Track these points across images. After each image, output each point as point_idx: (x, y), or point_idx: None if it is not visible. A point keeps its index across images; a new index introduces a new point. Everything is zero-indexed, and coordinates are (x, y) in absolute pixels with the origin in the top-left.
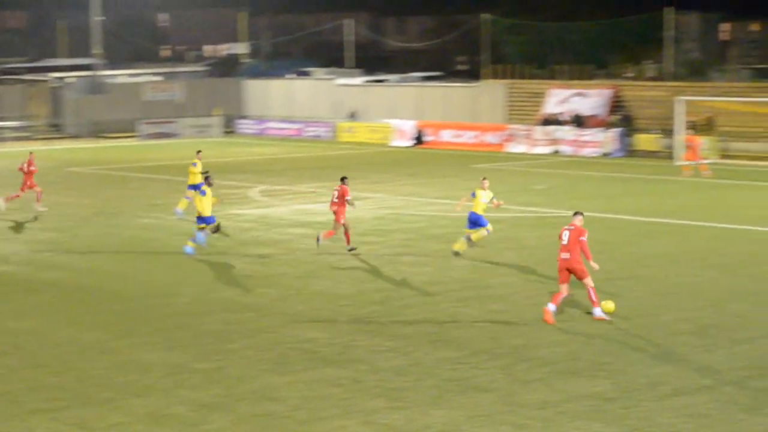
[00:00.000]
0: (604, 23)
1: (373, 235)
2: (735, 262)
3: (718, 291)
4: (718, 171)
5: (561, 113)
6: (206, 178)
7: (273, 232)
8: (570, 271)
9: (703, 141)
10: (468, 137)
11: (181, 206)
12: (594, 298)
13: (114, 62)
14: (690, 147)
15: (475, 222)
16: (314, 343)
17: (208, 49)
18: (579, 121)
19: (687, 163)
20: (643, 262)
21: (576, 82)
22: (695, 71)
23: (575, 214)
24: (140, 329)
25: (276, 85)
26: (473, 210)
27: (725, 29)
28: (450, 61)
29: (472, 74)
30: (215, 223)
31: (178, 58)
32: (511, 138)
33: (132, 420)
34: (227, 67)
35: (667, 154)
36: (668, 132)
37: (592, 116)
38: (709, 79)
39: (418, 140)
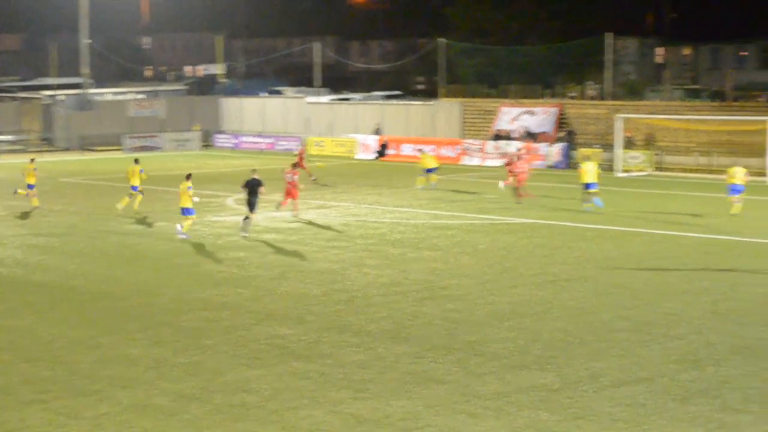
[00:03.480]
0: (550, 47)
1: (339, 240)
2: (668, 265)
3: (653, 291)
4: (654, 182)
5: (512, 130)
6: None
7: (247, 237)
8: None
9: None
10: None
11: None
12: None
13: (101, 81)
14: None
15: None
16: (285, 340)
17: (187, 70)
18: (530, 137)
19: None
20: (584, 265)
21: (525, 100)
22: (632, 91)
23: None
24: (125, 326)
25: (250, 102)
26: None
27: (660, 53)
28: (409, 81)
29: (430, 93)
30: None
31: (160, 78)
32: (465, 152)
33: (118, 410)
34: (205, 86)
35: (608, 166)
36: (608, 146)
37: (541, 132)
38: (645, 98)
39: (381, 153)
